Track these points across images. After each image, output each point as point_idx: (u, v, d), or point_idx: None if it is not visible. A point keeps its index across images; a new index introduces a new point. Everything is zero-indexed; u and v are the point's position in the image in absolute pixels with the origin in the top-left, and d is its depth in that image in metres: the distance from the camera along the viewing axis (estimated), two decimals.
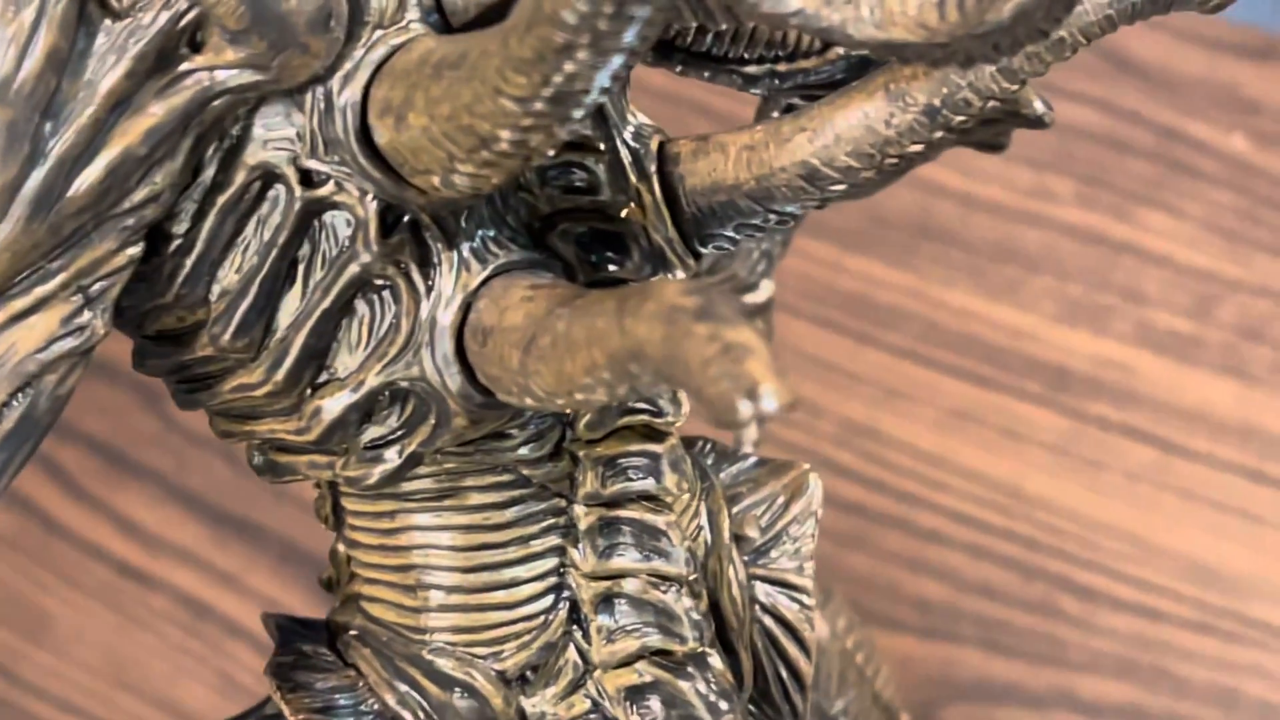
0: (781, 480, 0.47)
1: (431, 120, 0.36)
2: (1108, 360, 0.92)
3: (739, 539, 0.46)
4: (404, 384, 0.40)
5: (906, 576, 0.87)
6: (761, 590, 0.46)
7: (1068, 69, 0.49)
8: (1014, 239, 0.96)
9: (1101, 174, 0.97)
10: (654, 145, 0.42)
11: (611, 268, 0.41)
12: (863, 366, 0.91)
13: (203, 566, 0.88)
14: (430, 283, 0.39)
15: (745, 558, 0.46)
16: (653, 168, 0.41)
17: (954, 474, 0.90)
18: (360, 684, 0.44)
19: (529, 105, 0.34)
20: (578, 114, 0.34)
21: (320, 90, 0.38)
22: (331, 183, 0.39)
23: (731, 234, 0.42)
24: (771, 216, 0.42)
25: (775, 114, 0.53)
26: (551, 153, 0.36)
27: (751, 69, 0.45)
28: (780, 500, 0.47)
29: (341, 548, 0.45)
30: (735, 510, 0.46)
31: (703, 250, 0.42)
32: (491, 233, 0.40)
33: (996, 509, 0.88)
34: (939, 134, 0.41)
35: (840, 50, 0.44)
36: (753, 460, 0.47)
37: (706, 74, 0.45)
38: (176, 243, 0.40)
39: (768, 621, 0.46)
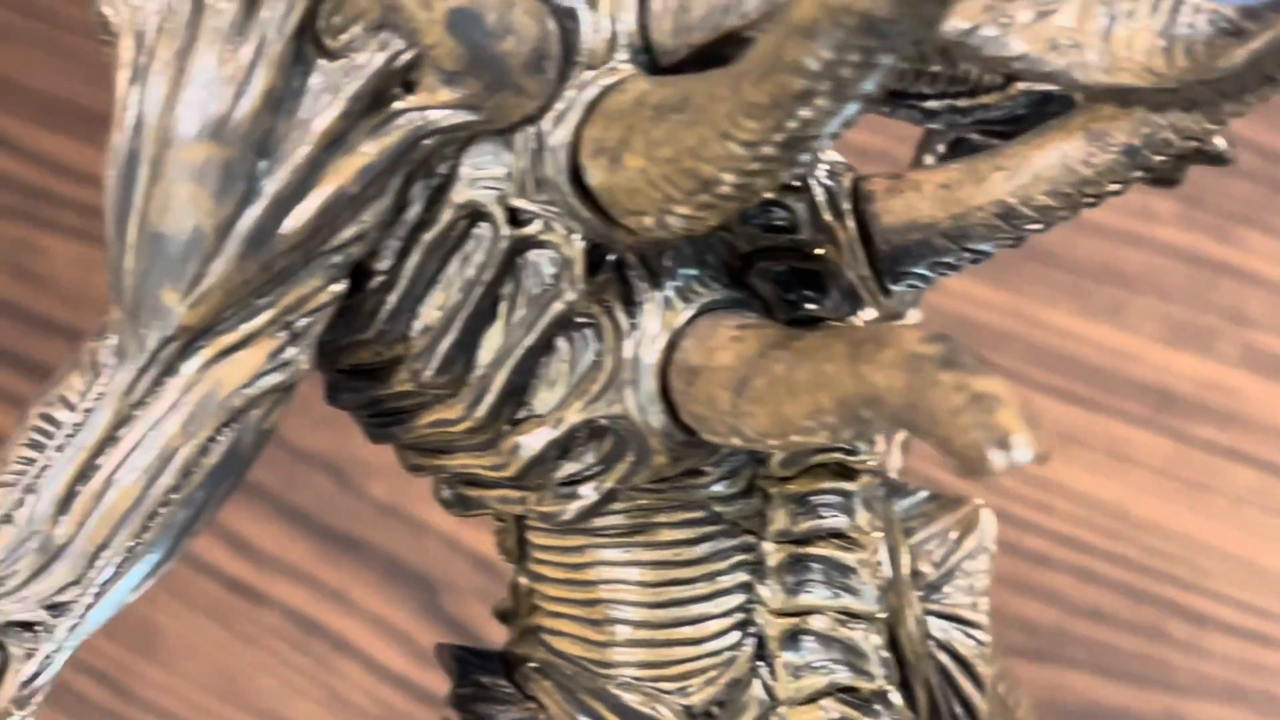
0: (954, 515, 0.47)
1: (650, 162, 0.36)
2: (1212, 382, 0.92)
3: (913, 574, 0.46)
4: (604, 421, 0.40)
5: (1014, 599, 0.87)
6: (936, 626, 0.46)
7: None
8: (1116, 259, 0.95)
9: (1203, 194, 0.97)
10: (848, 183, 0.42)
11: (810, 306, 0.41)
12: None
13: (310, 583, 0.88)
14: (634, 321, 0.40)
15: (919, 593, 0.46)
16: (847, 205, 0.42)
17: (1060, 497, 0.89)
18: (541, 716, 0.45)
19: (758, 149, 0.34)
20: (805, 158, 0.34)
21: (532, 130, 0.39)
22: (539, 222, 0.39)
23: (924, 271, 0.42)
24: (966, 255, 0.42)
25: (939, 147, 0.53)
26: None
27: (932, 104, 0.45)
28: (953, 535, 0.47)
29: (524, 580, 0.45)
30: (909, 545, 0.46)
31: (894, 288, 0.42)
32: (694, 271, 0.40)
33: (1103, 532, 0.88)
34: (1137, 174, 0.41)
35: (1023, 85, 0.44)
36: (924, 494, 0.47)
37: (886, 108, 0.45)
38: (379, 279, 0.40)
39: (942, 658, 0.46)
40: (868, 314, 0.42)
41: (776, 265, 0.41)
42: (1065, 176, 0.41)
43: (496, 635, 0.89)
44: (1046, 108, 0.45)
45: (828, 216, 0.41)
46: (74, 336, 0.93)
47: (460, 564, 0.89)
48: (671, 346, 0.39)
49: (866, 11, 0.31)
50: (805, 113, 0.33)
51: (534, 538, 0.44)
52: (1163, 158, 0.41)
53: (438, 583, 0.89)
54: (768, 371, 0.36)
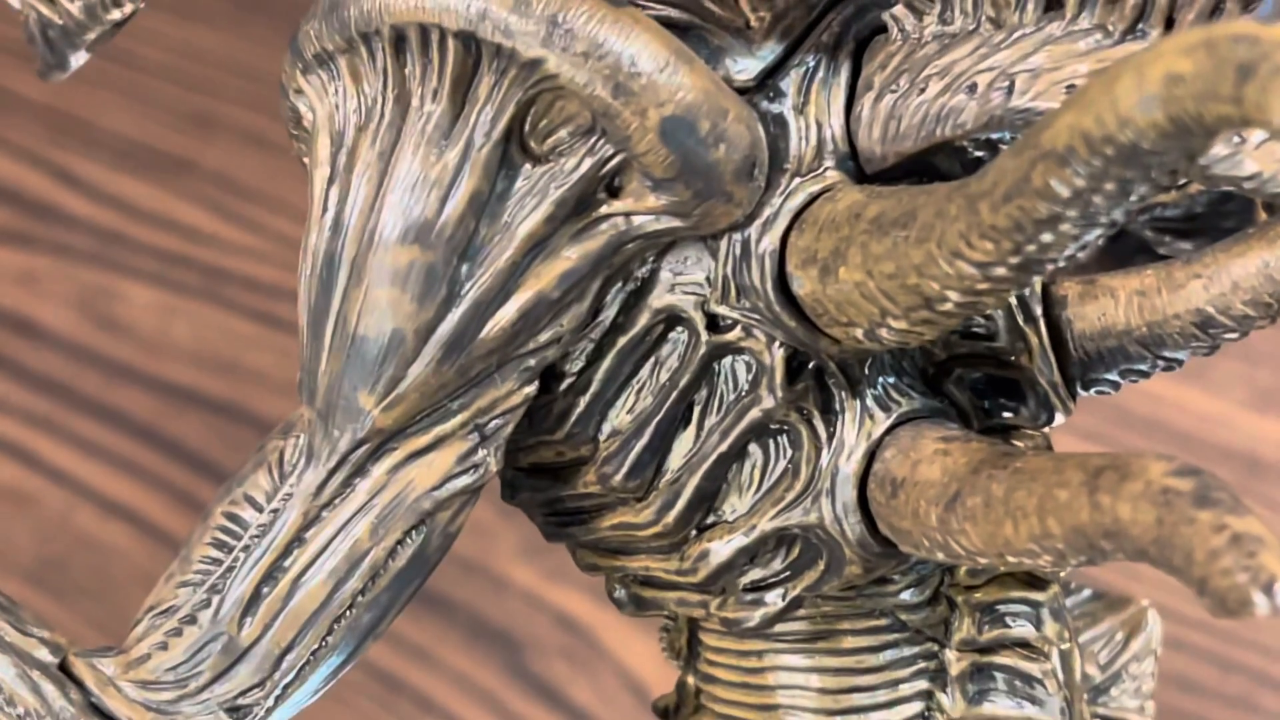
0: (1119, 615, 0.46)
1: (869, 277, 0.36)
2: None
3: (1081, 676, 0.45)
4: (796, 530, 0.39)
5: None
6: None
7: None
8: None
9: None
10: (1039, 287, 0.41)
11: (1006, 414, 0.41)
12: None
13: (395, 640, 0.87)
14: (832, 429, 0.39)
15: (1085, 695, 0.45)
16: (1039, 310, 0.41)
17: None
18: None
19: (990, 270, 0.34)
20: (1039, 278, 0.34)
21: (736, 236, 0.38)
22: (739, 328, 0.39)
23: (1116, 378, 0.41)
24: (1160, 362, 0.41)
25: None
26: None
27: None
28: (1119, 636, 0.46)
29: (692, 680, 0.44)
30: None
31: (1084, 394, 0.42)
32: (892, 379, 0.39)
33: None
34: None
35: (1199, 185, 0.44)
36: (1088, 593, 0.47)
37: None
38: (569, 381, 0.39)
39: None
40: (1058, 420, 0.41)
41: (973, 372, 0.40)
42: (1266, 286, 0.40)
43: (578, 694, 0.88)
44: (1224, 206, 0.44)
45: (1020, 320, 0.41)
46: (153, 385, 0.93)
47: (543, 622, 0.88)
48: (870, 456, 0.39)
49: (1131, 143, 0.30)
50: (1047, 237, 0.32)
51: (707, 639, 0.43)
52: None
53: (521, 641, 0.88)
54: (984, 490, 0.36)
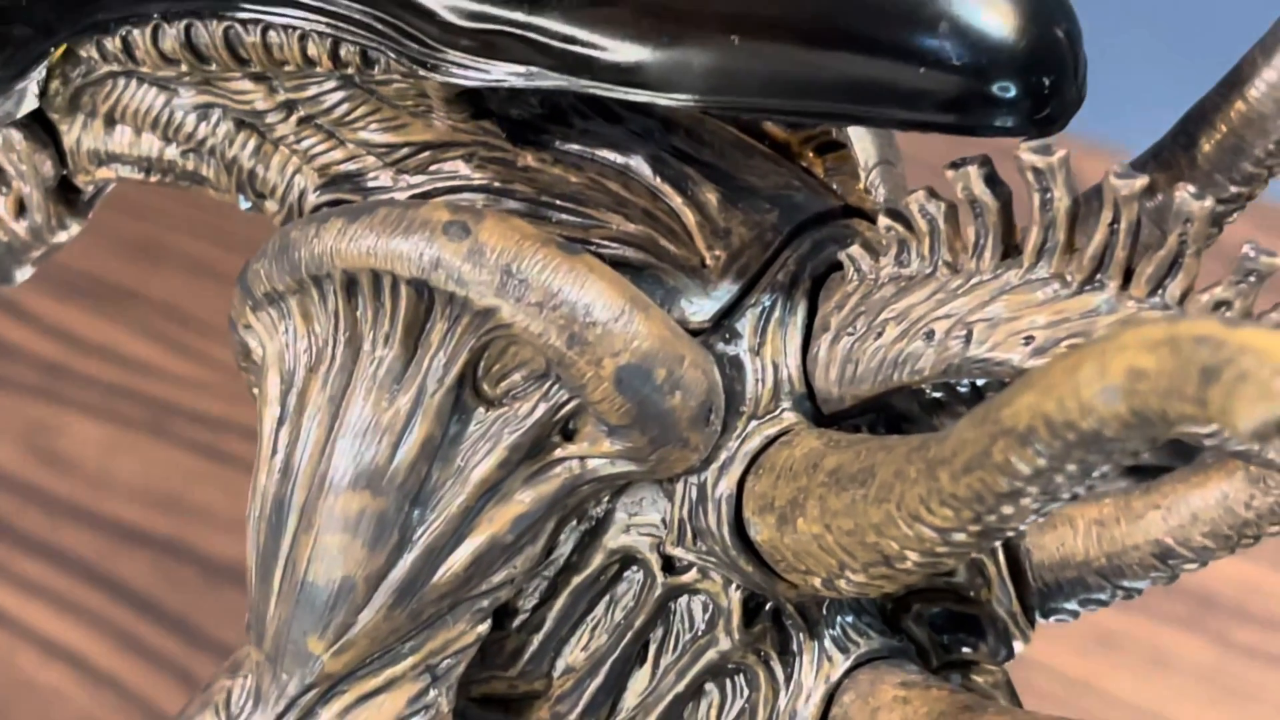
0: None
1: (827, 530, 0.35)
2: (1253, 586, 0.91)
3: None
4: None
5: None
6: None
7: None
8: None
9: None
10: None
11: (965, 650, 0.40)
12: None
13: None
14: (790, 671, 0.38)
15: None
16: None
17: (1099, 701, 0.88)
18: None
19: (950, 536, 0.33)
20: (999, 542, 0.33)
21: (693, 480, 0.37)
22: (695, 570, 0.38)
23: (1075, 607, 0.41)
24: (1119, 592, 0.41)
25: None
26: None
27: None
28: None
29: None
30: None
31: (1043, 621, 0.41)
32: (850, 618, 0.39)
33: None
34: None
35: None
36: None
37: None
38: (523, 617, 0.39)
39: None
40: (1017, 651, 0.41)
41: (931, 607, 0.40)
42: (1226, 518, 0.40)
43: None
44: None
45: (981, 555, 0.40)
46: (97, 523, 0.92)
47: None
48: (829, 699, 0.38)
49: (1093, 430, 0.30)
50: (1008, 510, 0.32)
51: None
52: None
53: None
54: None
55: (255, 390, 0.39)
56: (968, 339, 0.36)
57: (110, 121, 0.41)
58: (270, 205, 0.40)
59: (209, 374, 0.95)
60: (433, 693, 0.38)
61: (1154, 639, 0.91)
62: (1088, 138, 0.99)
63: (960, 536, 0.33)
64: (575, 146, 0.39)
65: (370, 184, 0.39)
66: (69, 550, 0.91)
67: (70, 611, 0.89)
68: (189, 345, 0.96)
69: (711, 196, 0.38)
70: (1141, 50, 1.04)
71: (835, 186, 0.40)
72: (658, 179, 0.39)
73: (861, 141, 0.41)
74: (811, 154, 0.41)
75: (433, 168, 0.39)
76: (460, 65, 0.36)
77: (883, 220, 0.37)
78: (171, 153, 0.41)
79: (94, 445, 0.95)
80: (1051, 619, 0.41)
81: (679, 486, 0.38)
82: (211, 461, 0.93)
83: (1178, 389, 0.28)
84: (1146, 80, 1.04)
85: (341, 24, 0.37)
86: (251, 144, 0.40)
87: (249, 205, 0.41)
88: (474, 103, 0.38)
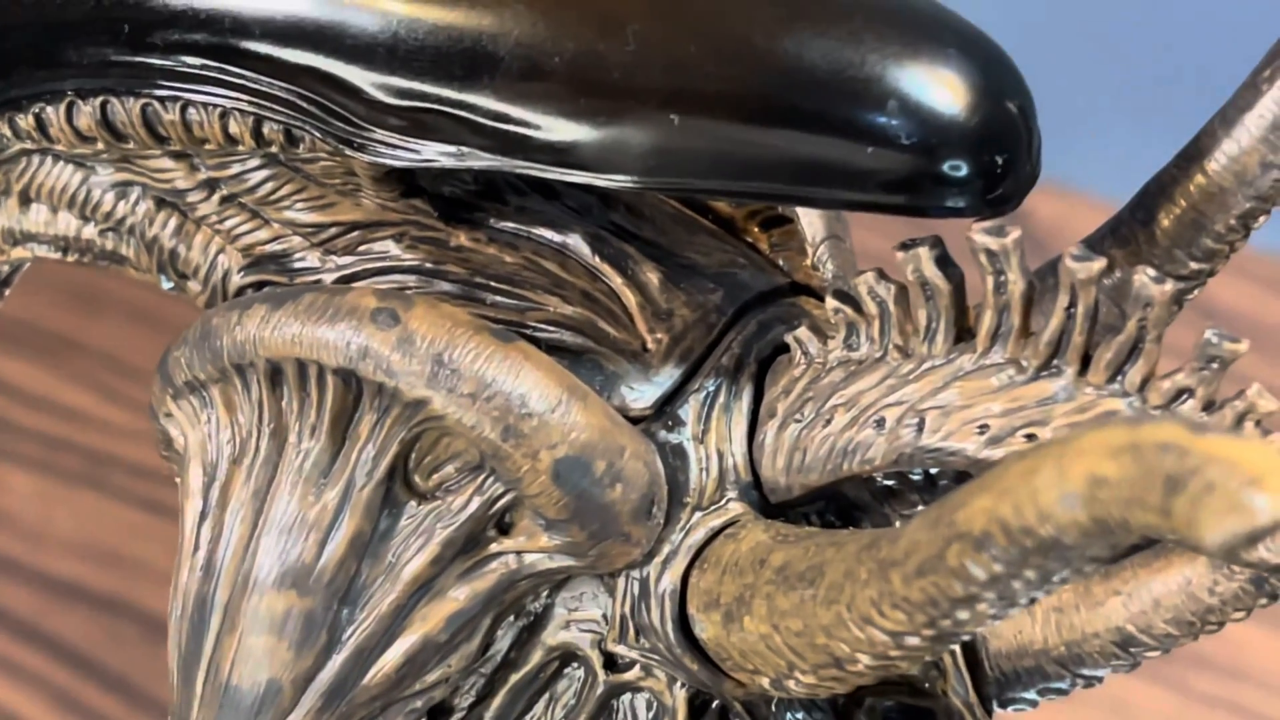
0: None
1: (775, 630, 0.34)
2: (1214, 634, 0.90)
3: None
4: None
5: None
6: None
7: None
8: None
9: None
10: None
11: None
12: None
13: None
14: None
15: None
16: None
17: None
18: None
19: (903, 640, 0.32)
20: (956, 645, 0.32)
21: (635, 574, 0.36)
22: (638, 667, 0.37)
23: (1034, 697, 0.40)
24: (1079, 680, 0.39)
25: None
26: None
27: None
28: None
29: None
30: None
31: (1001, 711, 0.40)
32: (800, 715, 0.37)
33: None
34: (1264, 601, 0.38)
35: None
36: None
37: None
38: (459, 717, 0.37)
39: None
40: None
41: (885, 700, 0.38)
42: (1189, 604, 0.38)
43: None
44: None
45: (936, 657, 0.39)
46: (35, 579, 0.90)
47: None
48: None
49: (1051, 538, 0.28)
50: (963, 615, 0.31)
51: None
52: None
53: None
54: None
55: (178, 480, 0.37)
56: (920, 427, 0.35)
57: (25, 200, 0.39)
58: (193, 286, 0.39)
59: (150, 424, 0.94)
60: None
61: (1114, 689, 0.89)
62: (1048, 180, 0.98)
63: (914, 640, 0.32)
64: (510, 224, 0.37)
65: (297, 264, 0.37)
66: (5, 607, 0.89)
67: (6, 671, 0.87)
68: (129, 395, 0.94)
69: (653, 276, 0.37)
70: (1103, 90, 1.03)
71: (781, 263, 0.39)
72: (597, 258, 0.37)
73: (808, 216, 0.40)
74: (757, 229, 0.39)
75: (361, 248, 0.37)
76: (389, 145, 0.35)
77: (830, 302, 0.36)
78: (89, 232, 0.39)
79: (31, 498, 0.93)
80: (1009, 709, 0.40)
81: (621, 581, 0.36)
82: (152, 515, 0.91)
83: (1140, 498, 0.27)
84: (1108, 121, 1.03)
85: (264, 102, 0.35)
86: (173, 223, 0.38)
87: (171, 286, 0.39)
88: (404, 180, 0.37)
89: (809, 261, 0.39)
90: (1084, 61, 1.03)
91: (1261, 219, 0.37)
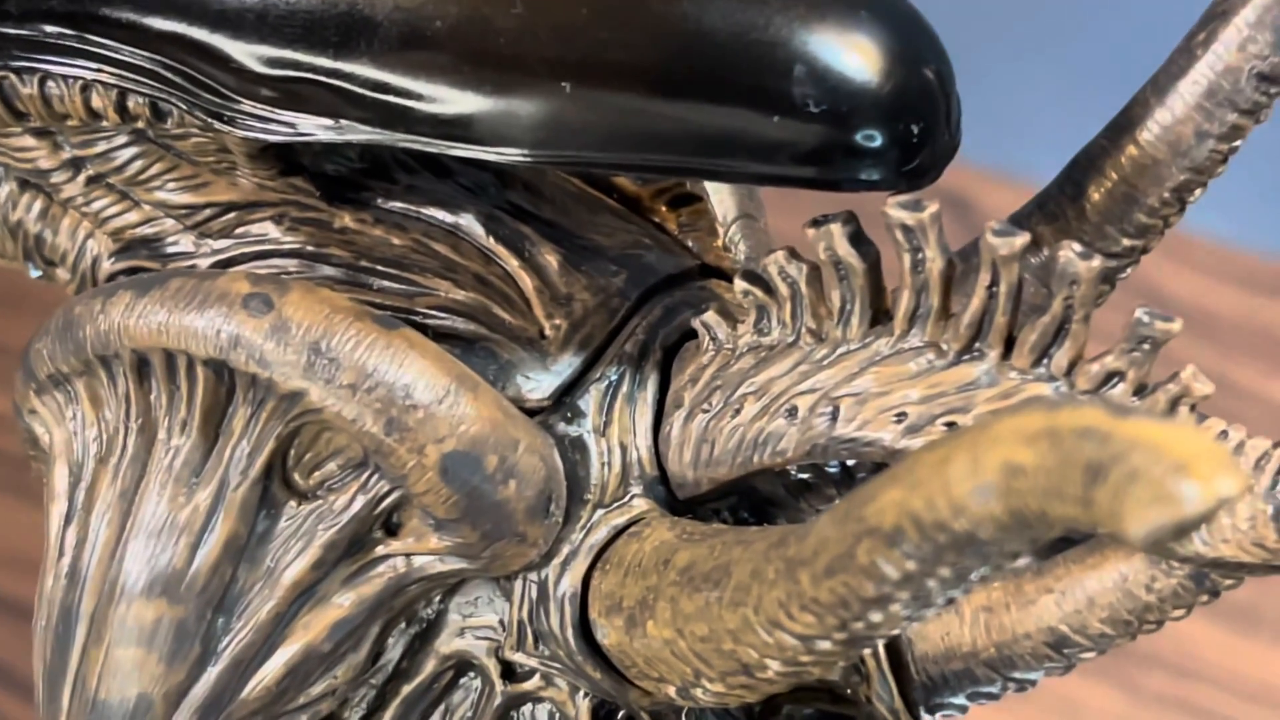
0: None
1: (679, 635, 0.32)
2: (1163, 632, 0.88)
3: None
4: None
5: None
6: None
7: None
8: None
9: None
10: None
11: None
12: None
13: None
14: None
15: None
16: None
17: None
18: None
19: (814, 644, 0.29)
20: (868, 649, 0.30)
21: (533, 577, 0.34)
22: (538, 676, 0.34)
23: (963, 702, 0.37)
24: (1010, 684, 0.37)
25: None
26: None
27: None
28: None
29: None
30: None
31: (929, 718, 0.38)
32: None
33: None
34: (1204, 598, 0.36)
35: None
36: None
37: None
38: None
39: None
40: None
41: (804, 709, 0.36)
42: (1125, 602, 0.36)
43: None
44: None
45: (850, 663, 0.37)
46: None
47: None
48: None
49: (966, 532, 0.26)
50: (876, 617, 0.28)
51: None
52: (1232, 581, 0.36)
53: None
54: None
55: (45, 483, 0.35)
56: (834, 416, 0.32)
57: None
58: (61, 273, 0.36)
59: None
60: None
61: (1063, 688, 0.88)
62: (995, 170, 0.96)
63: (825, 645, 0.29)
64: (399, 204, 0.35)
65: (170, 249, 0.35)
66: None
67: None
68: None
69: (552, 258, 0.35)
70: (1047, 78, 1.01)
71: (691, 244, 0.37)
72: (491, 240, 0.35)
73: (719, 194, 0.37)
74: (664, 208, 0.37)
75: (238, 231, 0.35)
76: (261, 118, 0.32)
77: (739, 284, 0.33)
78: None
79: None
80: (938, 715, 0.38)
81: (517, 585, 0.34)
82: None
83: (1058, 488, 0.24)
84: (1055, 108, 1.01)
85: (128, 73, 0.33)
86: (37, 206, 0.36)
87: (39, 274, 0.37)
88: (283, 158, 0.35)
89: (720, 242, 0.37)
90: (1034, 48, 1.01)
91: (1197, 192, 0.35)
